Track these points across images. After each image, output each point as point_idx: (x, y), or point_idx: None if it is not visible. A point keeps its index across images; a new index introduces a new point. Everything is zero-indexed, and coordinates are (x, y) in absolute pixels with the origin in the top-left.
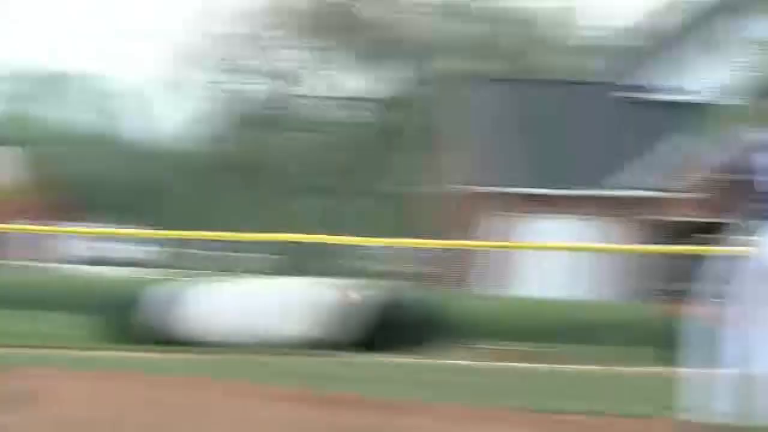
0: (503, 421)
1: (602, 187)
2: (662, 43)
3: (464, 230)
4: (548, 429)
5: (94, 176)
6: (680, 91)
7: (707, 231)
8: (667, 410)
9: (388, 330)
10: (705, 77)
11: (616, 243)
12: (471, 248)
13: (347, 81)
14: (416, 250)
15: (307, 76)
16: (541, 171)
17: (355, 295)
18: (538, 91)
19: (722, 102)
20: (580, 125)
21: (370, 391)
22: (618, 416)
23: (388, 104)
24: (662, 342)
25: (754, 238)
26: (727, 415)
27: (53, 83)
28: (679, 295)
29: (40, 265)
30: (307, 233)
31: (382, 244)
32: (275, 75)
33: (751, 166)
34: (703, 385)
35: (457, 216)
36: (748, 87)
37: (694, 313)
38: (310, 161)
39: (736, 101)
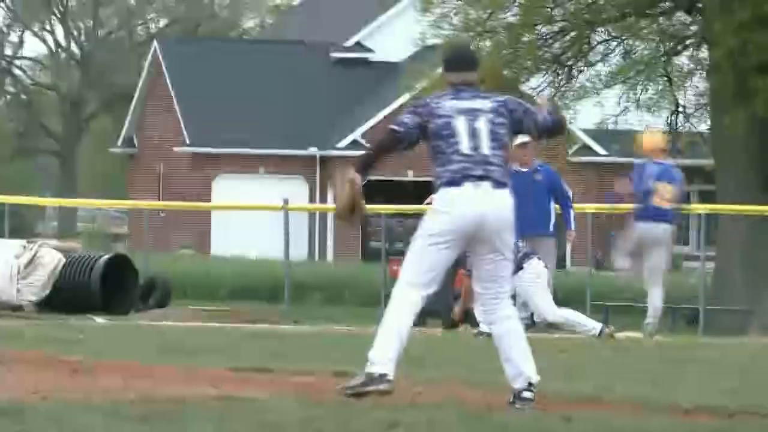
0: (197, 379)
1: (313, 147)
2: (374, 5)
3: (173, 191)
4: (232, 385)
5: None
6: (391, 51)
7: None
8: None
9: (85, 290)
10: (416, 38)
11: (331, 203)
12: (175, 208)
13: (28, 41)
14: (117, 210)
15: None
16: (250, 131)
17: (49, 254)
18: (244, 51)
19: (424, 64)
20: (291, 85)
21: (58, 351)
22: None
23: (80, 64)
24: (380, 301)
25: (442, 200)
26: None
27: None
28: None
29: None
30: None
31: (73, 205)
32: None
33: (437, 130)
34: (387, 339)
35: (163, 176)
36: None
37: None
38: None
39: (432, 64)
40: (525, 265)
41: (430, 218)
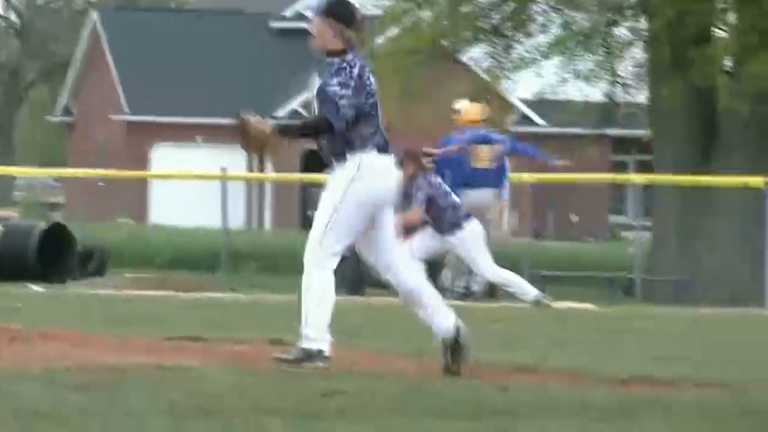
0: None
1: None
2: None
3: (111, 160)
4: (169, 354)
5: None
6: None
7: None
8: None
9: (22, 258)
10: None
11: (270, 172)
12: (113, 177)
13: None
14: (55, 179)
15: None
16: (189, 100)
17: None
18: (183, 21)
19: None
20: (230, 55)
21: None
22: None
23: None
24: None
25: (375, 165)
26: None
27: None
28: None
29: None
30: None
31: (10, 173)
32: None
33: (370, 89)
34: (321, 314)
35: (102, 145)
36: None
37: None
38: None
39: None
40: (465, 225)
41: (361, 183)
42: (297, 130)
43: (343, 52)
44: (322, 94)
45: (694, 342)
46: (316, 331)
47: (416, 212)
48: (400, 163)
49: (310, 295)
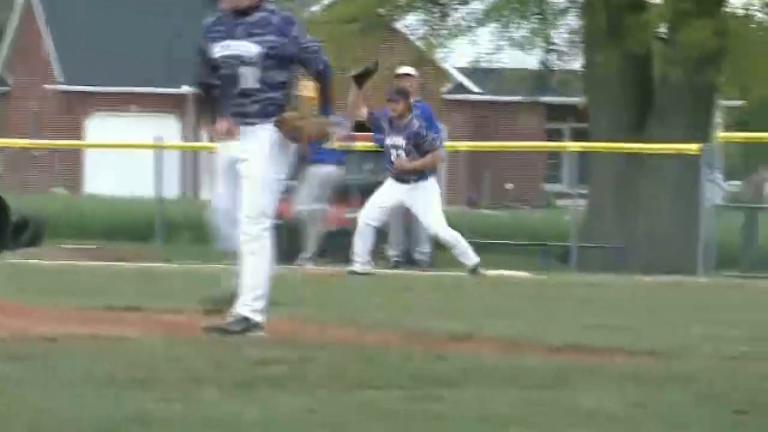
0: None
1: (186, 86)
2: None
3: (46, 129)
4: (104, 324)
5: None
6: None
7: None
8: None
9: None
10: None
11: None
12: (47, 147)
13: None
14: None
15: None
16: (123, 69)
17: None
18: None
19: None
20: (164, 23)
21: None
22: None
23: None
24: None
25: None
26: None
27: None
28: None
29: None
30: None
31: None
32: None
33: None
34: (264, 286)
35: (36, 115)
36: None
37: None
38: None
39: None
40: (429, 177)
41: (280, 149)
42: (331, 98)
43: (259, 7)
44: (302, 45)
45: (629, 310)
46: (261, 303)
47: (440, 153)
48: (391, 99)
49: (264, 267)
